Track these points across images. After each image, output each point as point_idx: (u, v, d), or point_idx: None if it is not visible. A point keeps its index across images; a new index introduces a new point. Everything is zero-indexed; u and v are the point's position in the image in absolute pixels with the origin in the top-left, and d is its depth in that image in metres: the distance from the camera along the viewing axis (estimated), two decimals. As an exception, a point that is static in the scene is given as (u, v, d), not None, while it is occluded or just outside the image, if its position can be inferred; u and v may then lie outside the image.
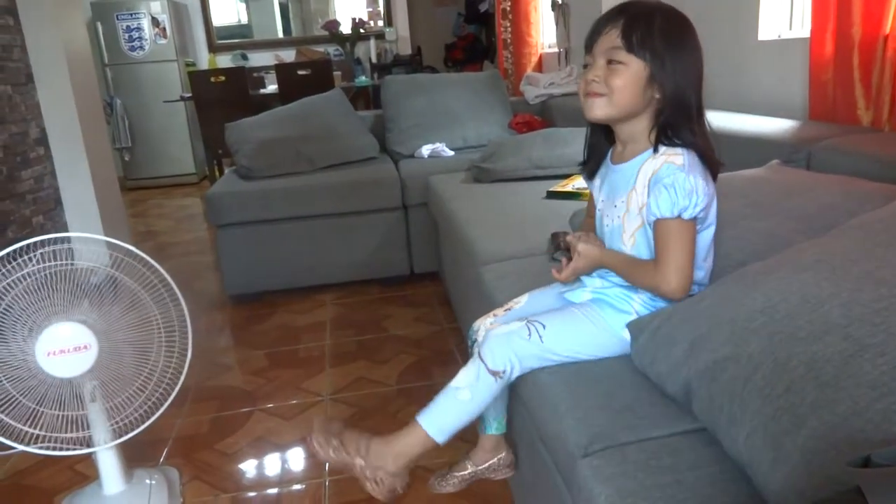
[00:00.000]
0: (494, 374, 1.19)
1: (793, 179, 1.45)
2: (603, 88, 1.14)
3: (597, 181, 1.30)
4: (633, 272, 1.18)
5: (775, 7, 2.40)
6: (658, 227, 1.13)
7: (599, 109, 1.16)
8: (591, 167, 1.30)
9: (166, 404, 1.55)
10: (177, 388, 1.56)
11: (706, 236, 1.18)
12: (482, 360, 1.20)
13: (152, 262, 1.54)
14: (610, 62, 1.13)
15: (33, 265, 1.45)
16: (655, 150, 1.14)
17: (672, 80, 1.11)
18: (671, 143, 1.13)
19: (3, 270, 1.43)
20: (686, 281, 1.11)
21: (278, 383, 2.28)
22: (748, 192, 1.39)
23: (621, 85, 1.12)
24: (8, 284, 1.43)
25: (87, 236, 1.58)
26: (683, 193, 1.08)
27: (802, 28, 2.32)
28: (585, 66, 1.19)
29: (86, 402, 1.52)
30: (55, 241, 1.50)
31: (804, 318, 0.84)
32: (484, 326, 1.37)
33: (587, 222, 1.40)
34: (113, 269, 1.52)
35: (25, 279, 1.44)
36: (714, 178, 1.17)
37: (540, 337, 1.18)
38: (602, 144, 1.28)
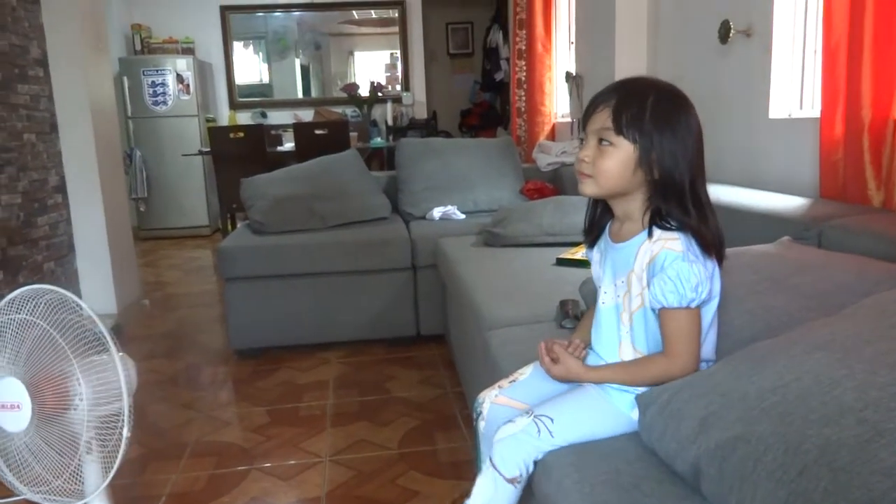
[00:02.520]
0: (511, 481, 1.15)
1: (804, 257, 1.44)
2: (590, 169, 1.14)
3: (596, 255, 1.29)
4: (637, 374, 1.15)
5: (786, 87, 2.45)
6: (666, 316, 1.11)
7: (588, 188, 1.17)
8: (592, 237, 1.30)
9: (113, 470, 1.49)
10: (118, 461, 1.48)
11: (709, 311, 1.16)
12: (496, 469, 1.16)
13: (91, 312, 1.46)
14: (601, 142, 1.13)
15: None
16: (650, 235, 1.13)
17: (662, 162, 1.10)
18: (665, 227, 1.12)
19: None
20: (698, 361, 1.13)
21: (278, 441, 2.24)
22: (759, 268, 1.38)
23: (608, 167, 1.12)
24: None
25: (40, 287, 1.47)
26: (690, 287, 1.08)
27: (813, 108, 2.36)
28: (581, 141, 1.19)
29: (81, 452, 1.49)
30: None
31: (817, 400, 0.82)
32: (489, 399, 1.35)
33: (587, 324, 1.35)
34: (49, 327, 1.42)
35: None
36: (720, 259, 1.15)
37: (550, 432, 1.14)
38: (603, 216, 1.27)
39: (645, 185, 1.13)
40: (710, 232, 1.13)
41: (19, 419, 1.41)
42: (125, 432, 1.46)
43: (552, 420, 1.15)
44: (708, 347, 1.18)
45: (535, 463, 1.16)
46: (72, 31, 3.43)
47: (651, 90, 1.13)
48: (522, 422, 1.17)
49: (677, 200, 1.11)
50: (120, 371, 1.45)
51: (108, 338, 1.46)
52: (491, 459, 1.17)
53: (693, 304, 1.09)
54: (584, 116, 1.17)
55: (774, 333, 1.09)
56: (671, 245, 1.10)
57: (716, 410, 0.94)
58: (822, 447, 0.76)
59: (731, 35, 2.59)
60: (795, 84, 2.44)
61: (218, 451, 2.19)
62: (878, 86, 1.83)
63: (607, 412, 1.17)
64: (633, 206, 1.16)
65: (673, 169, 1.10)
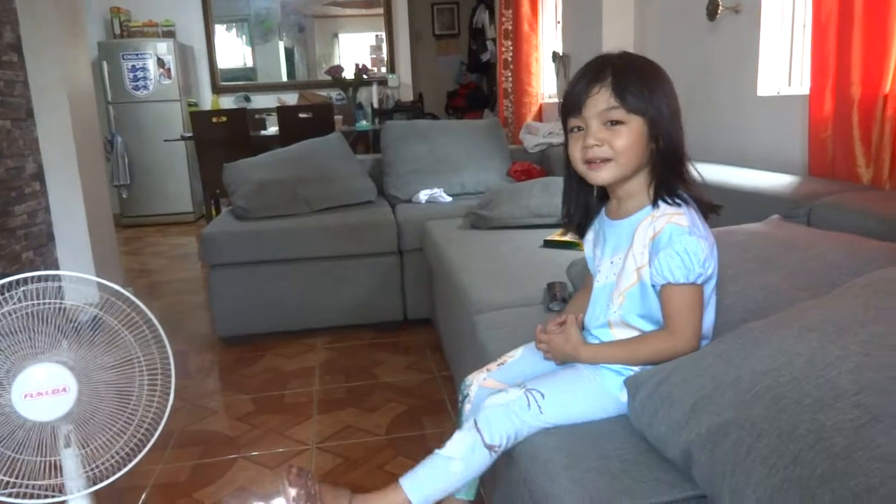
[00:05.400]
0: (490, 447, 1.13)
1: (795, 235, 1.42)
2: (608, 152, 1.10)
3: (589, 235, 1.27)
4: (636, 351, 1.13)
5: (775, 63, 2.41)
6: (669, 292, 1.09)
7: (608, 173, 1.12)
8: (582, 223, 1.28)
9: (143, 451, 1.49)
10: (155, 436, 1.49)
11: (709, 287, 1.15)
12: (479, 431, 1.14)
13: (138, 302, 1.50)
14: (610, 123, 1.10)
15: (14, 303, 1.41)
16: (655, 206, 1.11)
17: (668, 130, 1.10)
18: (670, 202, 1.10)
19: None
20: (700, 338, 1.12)
21: (264, 430, 2.21)
22: (749, 247, 1.36)
23: (626, 145, 1.09)
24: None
25: (74, 275, 1.52)
26: (698, 261, 1.06)
27: (802, 85, 2.33)
28: (574, 130, 1.15)
29: (59, 447, 1.45)
30: (42, 278, 1.46)
31: (811, 383, 0.80)
32: (477, 382, 1.32)
33: (582, 296, 1.34)
34: (96, 309, 1.47)
35: (6, 317, 1.40)
36: (706, 216, 1.15)
37: (539, 407, 1.12)
38: (592, 200, 1.24)
39: (650, 158, 1.12)
40: (704, 199, 1.14)
41: (63, 403, 1.39)
42: (170, 400, 1.50)
43: (543, 396, 1.13)
44: (707, 325, 1.16)
45: (519, 441, 1.14)
46: (47, 15, 3.33)
47: (635, 61, 1.12)
48: (515, 392, 1.15)
49: (678, 169, 1.12)
50: (164, 339, 1.50)
51: (151, 316, 1.50)
52: (476, 421, 1.15)
53: (699, 280, 1.08)
54: (576, 101, 1.12)
55: (765, 313, 1.07)
56: (676, 220, 1.08)
57: (707, 394, 0.91)
58: (818, 432, 0.73)
59: (719, 11, 2.55)
60: (784, 61, 2.41)
61: (204, 441, 2.16)
62: (868, 62, 1.81)
63: (599, 394, 1.15)
64: (639, 183, 1.15)
65: (678, 135, 1.10)
